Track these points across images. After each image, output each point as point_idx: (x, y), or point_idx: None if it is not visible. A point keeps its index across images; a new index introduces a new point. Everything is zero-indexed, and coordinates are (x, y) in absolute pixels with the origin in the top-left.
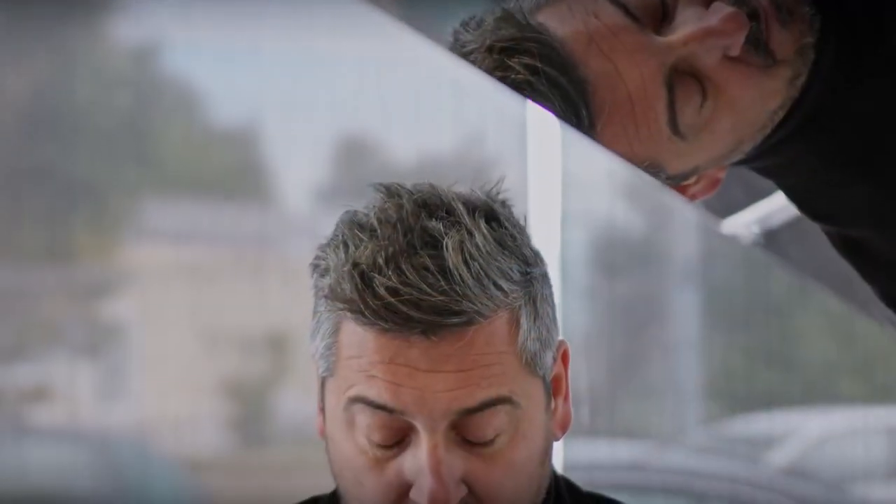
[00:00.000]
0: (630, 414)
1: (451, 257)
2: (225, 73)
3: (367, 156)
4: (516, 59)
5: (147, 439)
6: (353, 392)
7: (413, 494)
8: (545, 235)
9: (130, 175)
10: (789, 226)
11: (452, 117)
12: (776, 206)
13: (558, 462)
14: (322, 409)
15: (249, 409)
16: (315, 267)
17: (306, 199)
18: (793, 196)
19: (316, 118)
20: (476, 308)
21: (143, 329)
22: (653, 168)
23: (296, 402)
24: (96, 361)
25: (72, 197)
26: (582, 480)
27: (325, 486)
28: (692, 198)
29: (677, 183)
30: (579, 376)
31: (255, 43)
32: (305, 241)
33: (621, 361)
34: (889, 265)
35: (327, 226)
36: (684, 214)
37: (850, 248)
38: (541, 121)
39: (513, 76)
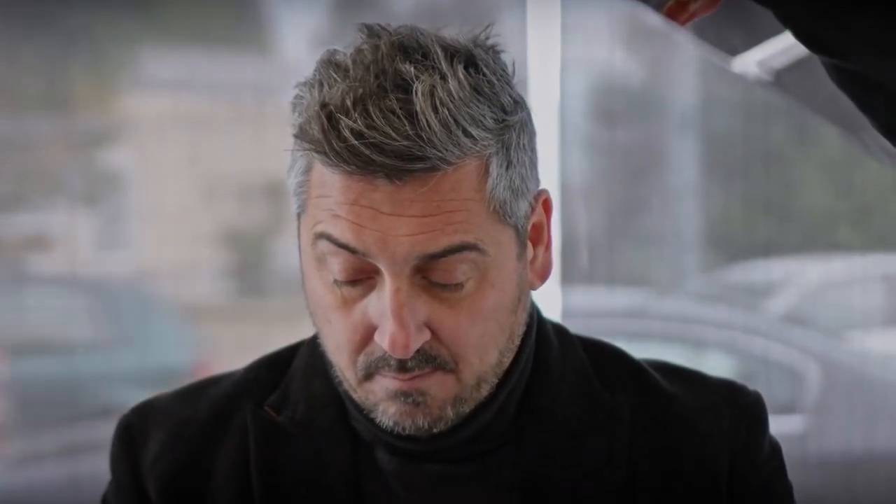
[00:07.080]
0: (628, 261)
1: (420, 102)
2: None
3: (366, 4)
4: None
5: (145, 287)
6: (318, 228)
7: (376, 337)
8: (544, 84)
9: (129, 23)
10: (795, 65)
11: None
12: (781, 47)
13: (556, 309)
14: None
15: (247, 258)
16: (294, 106)
17: (305, 48)
18: (791, 24)
19: None
20: (441, 155)
21: (142, 178)
22: None
23: (293, 251)
24: (95, 210)
25: (70, 45)
26: (580, 327)
27: None
28: (691, 17)
29: None
30: (578, 224)
31: None
32: None
33: (620, 209)
34: (886, 94)
35: None
36: (684, 61)
37: (847, 78)
38: None
39: None
